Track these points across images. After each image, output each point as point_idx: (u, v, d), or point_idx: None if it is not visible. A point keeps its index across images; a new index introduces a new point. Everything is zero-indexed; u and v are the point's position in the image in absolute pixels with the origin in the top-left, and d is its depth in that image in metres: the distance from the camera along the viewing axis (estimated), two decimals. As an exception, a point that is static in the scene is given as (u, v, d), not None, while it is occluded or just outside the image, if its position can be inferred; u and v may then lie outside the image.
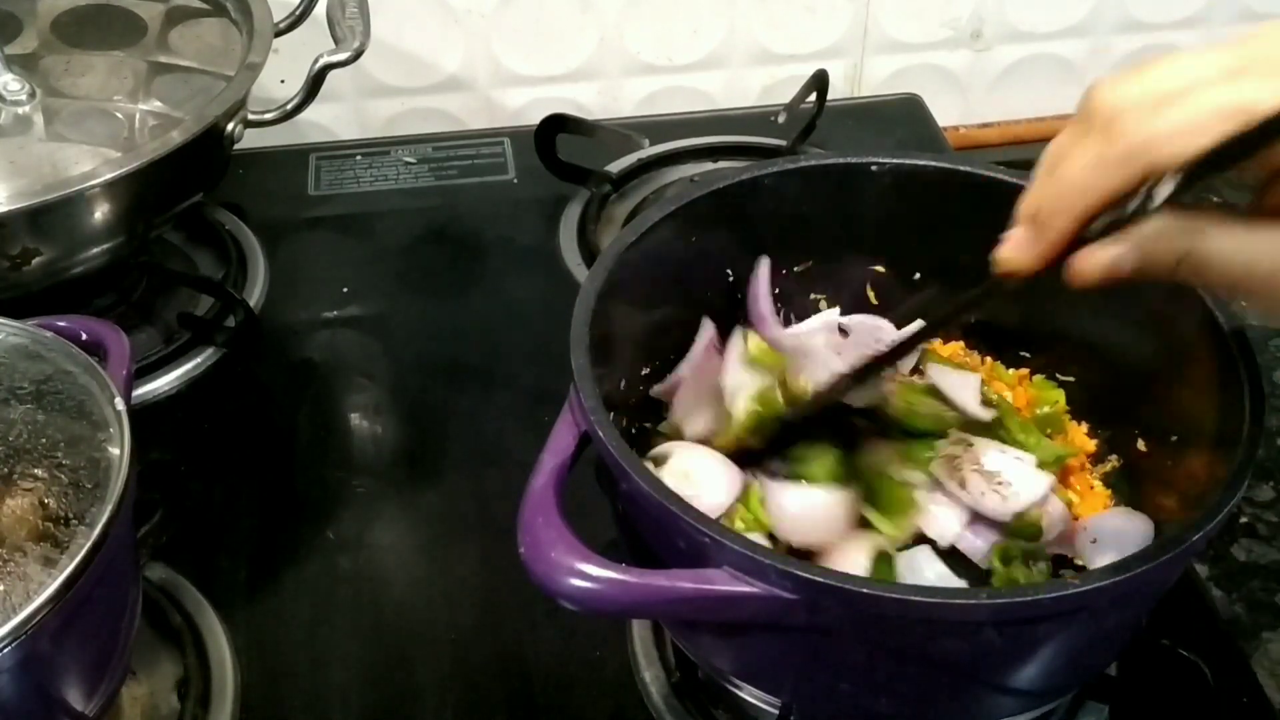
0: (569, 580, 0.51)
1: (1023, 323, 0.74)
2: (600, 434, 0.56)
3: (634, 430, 0.70)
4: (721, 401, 0.68)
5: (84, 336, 0.65)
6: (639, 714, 0.68)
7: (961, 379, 0.70)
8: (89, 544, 0.54)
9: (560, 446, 0.57)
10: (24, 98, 0.84)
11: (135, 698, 0.69)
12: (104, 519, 0.55)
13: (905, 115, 1.15)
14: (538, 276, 0.98)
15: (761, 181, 0.70)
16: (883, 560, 0.62)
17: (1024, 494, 0.64)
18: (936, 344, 0.75)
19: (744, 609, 0.51)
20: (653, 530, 0.56)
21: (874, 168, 0.71)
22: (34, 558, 0.55)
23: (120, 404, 0.60)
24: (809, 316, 0.76)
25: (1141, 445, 0.68)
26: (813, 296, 0.76)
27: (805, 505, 0.63)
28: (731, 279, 0.74)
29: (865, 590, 0.50)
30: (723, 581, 0.51)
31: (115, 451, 0.59)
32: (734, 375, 0.68)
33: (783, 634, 0.54)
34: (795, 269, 0.75)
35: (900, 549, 0.64)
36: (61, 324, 0.66)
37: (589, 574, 0.51)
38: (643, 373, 0.71)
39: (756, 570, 0.50)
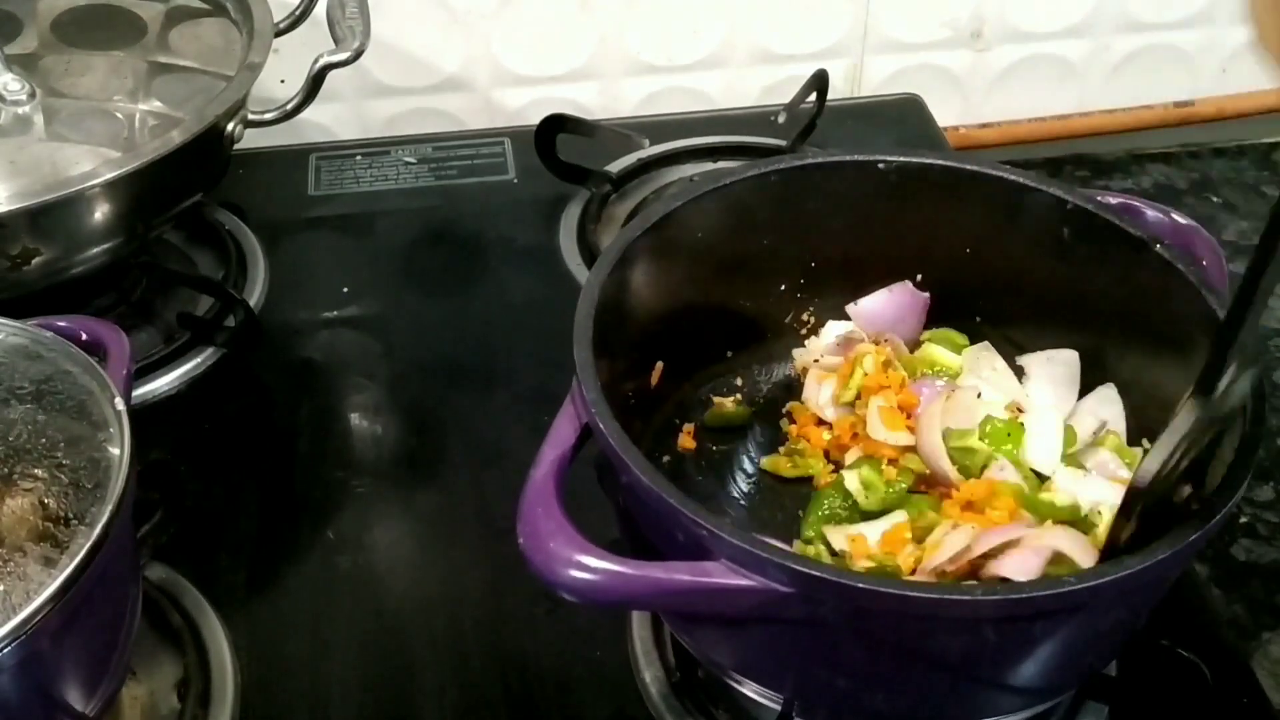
0: (567, 571, 0.51)
1: (1015, 319, 0.74)
2: (601, 426, 0.56)
3: (635, 422, 0.70)
4: None
5: (84, 336, 0.65)
6: (639, 714, 0.68)
7: None
8: (89, 544, 0.54)
9: (561, 438, 0.57)
10: (24, 98, 0.85)
11: (135, 698, 0.69)
12: (104, 519, 0.55)
13: (905, 115, 1.15)
14: (538, 277, 0.98)
15: (768, 178, 0.70)
16: None
17: None
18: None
19: (741, 602, 0.52)
20: (652, 523, 0.56)
21: (880, 165, 0.71)
22: (34, 558, 0.55)
23: (120, 404, 0.60)
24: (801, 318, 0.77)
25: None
26: (810, 298, 0.77)
27: None
28: (734, 277, 0.74)
29: (861, 585, 0.50)
30: (720, 574, 0.51)
31: (115, 451, 0.59)
32: None
33: (781, 629, 0.54)
34: (800, 265, 0.75)
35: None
36: (61, 324, 0.66)
37: (587, 565, 0.51)
38: (646, 366, 0.71)
39: (754, 563, 0.51)
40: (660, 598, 0.54)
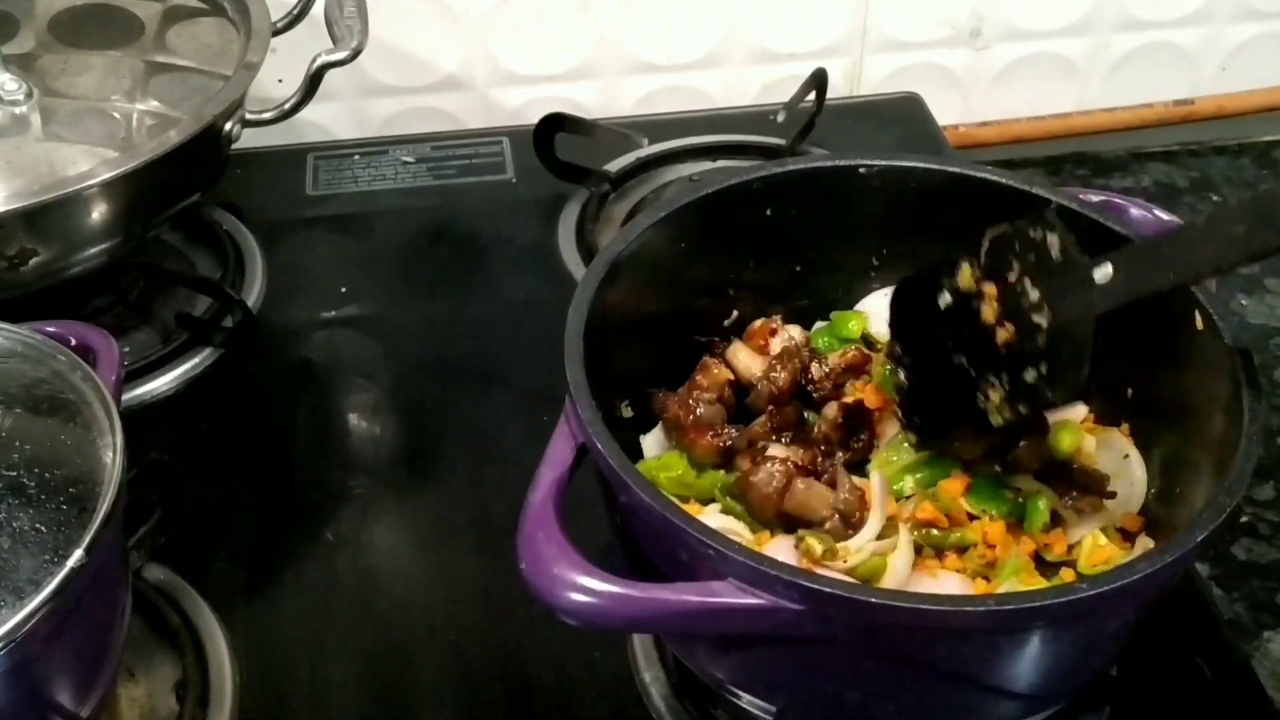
0: (571, 595, 0.51)
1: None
2: (599, 446, 0.55)
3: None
4: None
5: (73, 341, 0.65)
6: (639, 714, 0.68)
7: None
8: (80, 549, 0.53)
9: (558, 459, 0.57)
10: (21, 97, 0.84)
11: (134, 699, 0.69)
12: (95, 524, 0.55)
13: (904, 114, 1.15)
14: (537, 276, 0.98)
15: (750, 186, 0.70)
16: None
17: None
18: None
19: (750, 621, 0.51)
20: (653, 542, 0.56)
21: (862, 170, 0.70)
22: (25, 563, 0.55)
23: (112, 408, 0.60)
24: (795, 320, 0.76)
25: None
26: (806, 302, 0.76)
27: None
28: (723, 282, 0.73)
29: (875, 600, 0.50)
30: (728, 594, 0.51)
31: (106, 456, 0.58)
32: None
33: (783, 643, 0.54)
34: (787, 272, 0.75)
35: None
36: (50, 329, 0.65)
37: (592, 589, 0.51)
38: (641, 376, 0.71)
39: (763, 581, 0.50)
40: (668, 619, 0.53)
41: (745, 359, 0.72)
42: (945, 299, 0.63)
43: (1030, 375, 0.59)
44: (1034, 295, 0.60)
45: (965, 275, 0.63)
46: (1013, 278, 0.61)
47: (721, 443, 0.68)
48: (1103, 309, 0.58)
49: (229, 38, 0.91)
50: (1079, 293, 0.58)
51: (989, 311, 0.61)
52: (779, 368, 0.69)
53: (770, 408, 0.69)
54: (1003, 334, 0.61)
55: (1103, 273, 0.58)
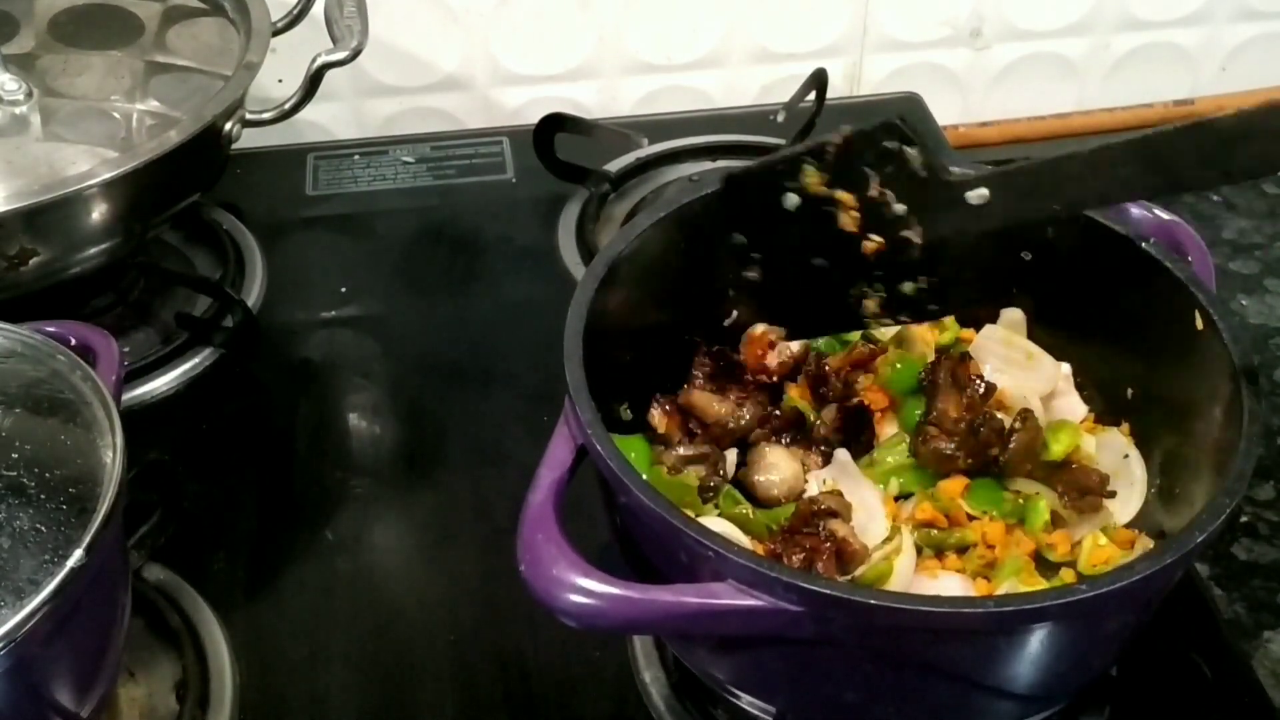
0: (570, 597, 0.51)
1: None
2: (599, 448, 0.55)
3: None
4: None
5: (73, 341, 0.65)
6: (639, 714, 0.68)
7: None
8: (80, 549, 0.54)
9: (558, 460, 0.57)
10: (21, 97, 0.84)
11: (133, 699, 0.69)
12: (95, 524, 0.55)
13: (905, 114, 1.13)
14: (536, 276, 0.98)
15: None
16: None
17: None
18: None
19: (750, 622, 0.51)
20: (653, 544, 0.56)
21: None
22: (25, 563, 0.55)
23: (112, 408, 0.60)
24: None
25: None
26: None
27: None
28: (723, 282, 0.73)
29: (873, 602, 0.50)
30: (728, 595, 0.51)
31: (106, 456, 0.58)
32: None
33: (783, 644, 0.54)
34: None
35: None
36: (50, 329, 0.65)
37: (591, 590, 0.51)
38: (641, 377, 0.71)
39: (762, 583, 0.50)
40: (667, 621, 0.53)
41: (702, 401, 0.70)
42: (792, 200, 0.61)
43: (908, 288, 0.58)
44: (899, 209, 0.57)
45: (811, 177, 0.60)
46: (873, 191, 0.58)
47: None
48: (980, 230, 0.56)
49: (229, 38, 0.91)
50: (953, 211, 0.56)
51: (849, 220, 0.59)
52: (743, 408, 0.69)
53: (771, 409, 0.69)
54: (870, 244, 0.59)
55: (978, 194, 0.55)
